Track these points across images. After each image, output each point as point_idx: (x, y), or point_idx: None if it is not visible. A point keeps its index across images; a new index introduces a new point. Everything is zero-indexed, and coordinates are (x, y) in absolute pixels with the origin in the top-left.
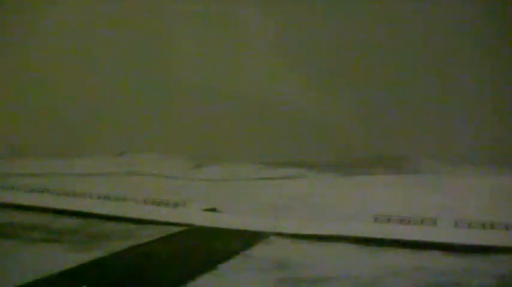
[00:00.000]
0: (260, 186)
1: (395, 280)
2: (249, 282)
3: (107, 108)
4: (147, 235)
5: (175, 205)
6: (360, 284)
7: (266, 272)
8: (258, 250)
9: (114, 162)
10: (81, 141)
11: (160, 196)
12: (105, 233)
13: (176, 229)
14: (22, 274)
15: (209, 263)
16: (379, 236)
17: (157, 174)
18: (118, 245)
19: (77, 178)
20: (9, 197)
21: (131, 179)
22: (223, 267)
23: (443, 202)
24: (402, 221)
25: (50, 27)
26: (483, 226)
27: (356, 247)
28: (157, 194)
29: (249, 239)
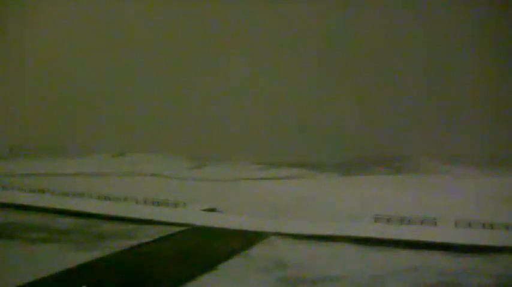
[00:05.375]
0: (260, 186)
1: (396, 280)
2: (249, 282)
3: (107, 108)
4: (147, 235)
5: (175, 205)
6: (360, 284)
7: (266, 272)
8: (258, 250)
9: (114, 162)
10: (81, 141)
11: (160, 196)
12: (105, 233)
13: (176, 229)
14: (22, 274)
15: (209, 263)
16: (379, 236)
17: (157, 174)
18: (118, 245)
19: (77, 178)
20: (9, 197)
21: (131, 179)
22: (223, 267)
23: (443, 202)
24: (402, 221)
25: (49, 27)
26: (483, 226)
27: (356, 247)
28: (157, 194)
29: (249, 239)
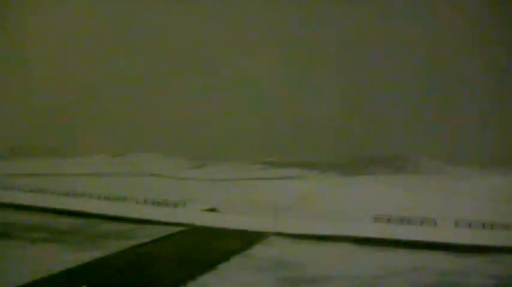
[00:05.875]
0: (260, 186)
1: (395, 280)
2: (249, 282)
3: (107, 108)
4: (147, 235)
5: (175, 205)
6: (360, 284)
7: (266, 272)
8: (258, 250)
9: (114, 162)
10: (81, 142)
11: (160, 196)
12: (105, 233)
13: (176, 229)
14: (22, 274)
15: (209, 263)
16: (379, 236)
17: (157, 174)
18: (118, 245)
19: (77, 178)
20: (9, 197)
21: (131, 179)
22: (223, 267)
23: (443, 202)
24: (402, 221)
25: (50, 27)
26: (483, 226)
27: (356, 247)
28: (157, 194)
29: (249, 239)
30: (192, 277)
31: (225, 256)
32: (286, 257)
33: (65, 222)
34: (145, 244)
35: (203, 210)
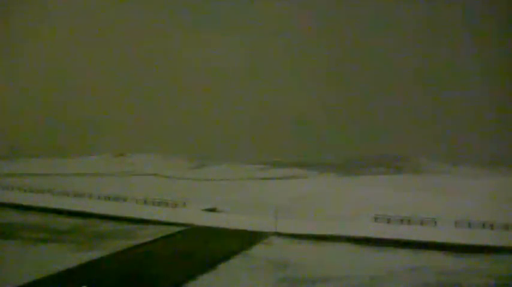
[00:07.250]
0: (260, 186)
1: (396, 280)
2: (249, 282)
3: (107, 108)
4: (147, 235)
5: (175, 205)
6: (360, 284)
7: (266, 272)
8: (258, 250)
9: (114, 162)
10: (81, 141)
11: (160, 196)
12: (105, 233)
13: (176, 229)
14: (22, 274)
15: (209, 263)
16: (379, 236)
17: (157, 174)
18: (118, 245)
19: (77, 178)
20: (9, 197)
21: (131, 179)
22: (223, 267)
23: (443, 202)
24: (402, 221)
25: (50, 28)
26: (483, 226)
27: (356, 247)
28: (157, 194)
29: (249, 239)
30: (192, 277)
31: (225, 256)
32: (286, 257)
33: (65, 222)
34: (145, 244)
35: (203, 210)
